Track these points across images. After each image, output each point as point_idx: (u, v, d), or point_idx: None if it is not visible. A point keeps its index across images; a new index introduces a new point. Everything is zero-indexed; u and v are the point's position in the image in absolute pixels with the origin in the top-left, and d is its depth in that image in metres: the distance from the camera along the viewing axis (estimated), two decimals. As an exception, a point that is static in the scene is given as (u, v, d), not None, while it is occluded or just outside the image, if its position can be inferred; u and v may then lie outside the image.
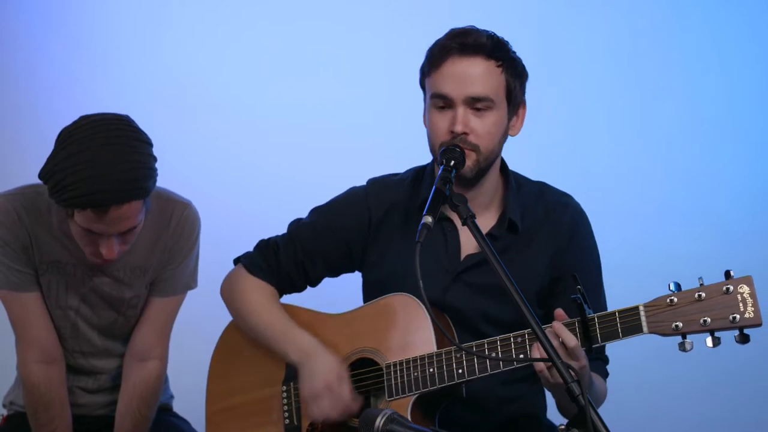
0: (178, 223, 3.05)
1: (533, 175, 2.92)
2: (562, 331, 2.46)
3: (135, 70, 4.43)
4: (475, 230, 2.43)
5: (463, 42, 2.70)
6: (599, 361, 2.80)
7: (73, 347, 3.11)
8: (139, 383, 3.09)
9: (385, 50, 4.23)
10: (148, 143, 2.82)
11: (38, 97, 4.39)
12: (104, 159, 2.70)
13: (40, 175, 2.78)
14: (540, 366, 2.44)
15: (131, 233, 2.85)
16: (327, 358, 2.77)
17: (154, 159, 2.83)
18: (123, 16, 4.44)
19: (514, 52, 2.76)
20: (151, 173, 2.80)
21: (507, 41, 2.75)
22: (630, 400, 3.93)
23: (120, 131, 2.77)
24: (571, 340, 2.45)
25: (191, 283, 3.15)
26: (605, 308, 2.82)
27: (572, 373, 2.27)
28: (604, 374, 2.83)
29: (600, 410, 2.23)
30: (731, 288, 2.38)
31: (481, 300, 2.77)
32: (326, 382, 2.74)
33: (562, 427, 2.25)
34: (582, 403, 2.21)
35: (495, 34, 2.74)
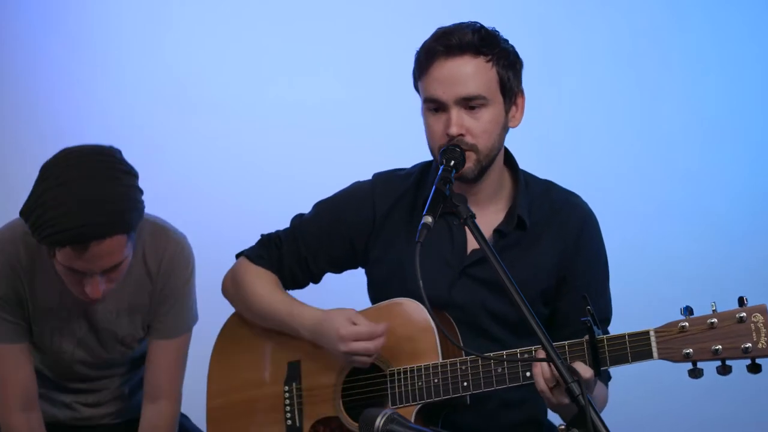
0: (170, 262, 2.94)
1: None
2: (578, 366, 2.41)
3: (135, 70, 4.43)
4: (474, 230, 2.42)
5: (448, 43, 2.67)
6: None
7: (69, 378, 3.06)
8: (149, 426, 3.02)
9: (385, 50, 4.23)
10: (132, 174, 2.72)
11: (38, 97, 4.39)
12: (82, 193, 2.60)
13: (21, 213, 2.68)
14: (542, 386, 2.42)
15: (117, 270, 2.73)
16: (332, 317, 2.74)
17: (139, 191, 2.72)
18: (123, 16, 4.44)
19: (505, 41, 2.72)
20: (135, 205, 2.69)
21: (496, 31, 2.71)
22: (630, 400, 3.92)
23: (99, 164, 2.66)
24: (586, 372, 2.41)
25: (192, 321, 3.05)
26: (610, 311, 2.81)
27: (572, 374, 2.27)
28: (606, 378, 2.79)
29: (601, 411, 2.23)
30: (745, 316, 2.31)
31: (487, 296, 2.74)
32: (343, 333, 2.69)
33: (562, 427, 2.25)
34: (582, 403, 2.21)
35: (482, 26, 2.70)
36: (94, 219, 2.59)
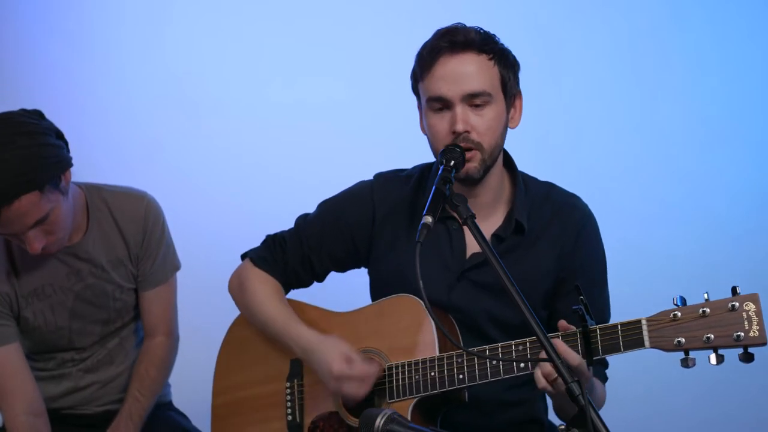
0: (143, 220, 3.08)
1: (533, 175, 2.92)
2: (566, 353, 2.39)
3: (135, 70, 4.43)
4: (475, 230, 2.42)
5: (453, 40, 2.67)
6: (599, 366, 2.77)
7: (73, 357, 3.15)
8: (146, 350, 3.22)
9: (385, 50, 4.23)
10: (35, 133, 2.73)
11: (38, 97, 4.38)
12: None
13: None
14: (543, 383, 2.40)
15: (48, 223, 2.79)
16: (326, 349, 2.75)
17: (47, 146, 2.74)
18: (123, 16, 4.45)
19: (503, 44, 2.73)
20: (39, 162, 2.71)
21: (494, 34, 2.72)
22: (630, 400, 3.93)
23: None
24: (575, 360, 2.40)
25: (174, 266, 3.22)
26: (608, 313, 2.82)
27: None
28: (603, 379, 2.80)
29: (601, 411, 2.22)
30: (737, 305, 2.30)
31: (486, 300, 2.75)
32: (336, 373, 2.71)
33: (563, 427, 2.25)
34: (582, 403, 2.21)
35: (481, 28, 2.71)
36: None
